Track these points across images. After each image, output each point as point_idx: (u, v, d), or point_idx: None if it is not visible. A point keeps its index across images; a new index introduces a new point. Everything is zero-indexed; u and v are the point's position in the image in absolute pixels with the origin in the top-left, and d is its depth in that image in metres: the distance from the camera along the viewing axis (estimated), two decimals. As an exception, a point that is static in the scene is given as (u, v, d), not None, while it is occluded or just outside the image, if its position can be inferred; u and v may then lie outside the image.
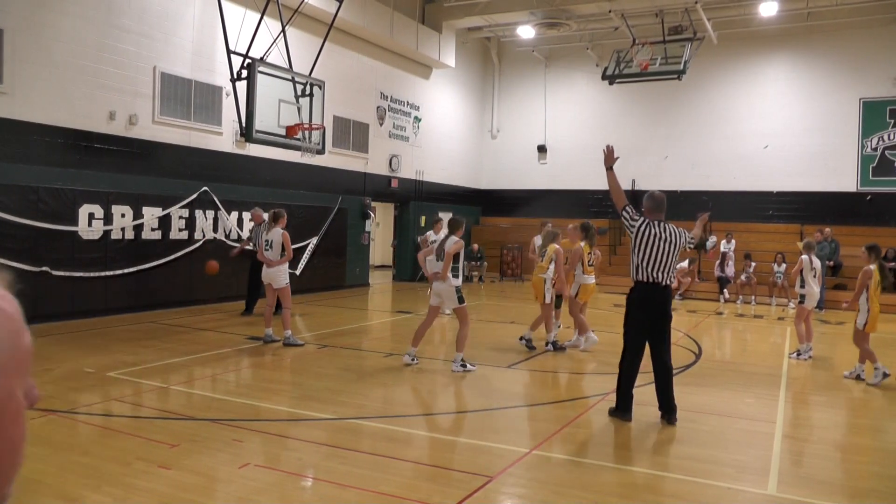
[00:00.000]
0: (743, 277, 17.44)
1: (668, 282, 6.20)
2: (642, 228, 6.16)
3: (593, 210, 21.69)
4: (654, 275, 6.13)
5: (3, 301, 1.00)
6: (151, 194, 12.40)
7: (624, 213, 6.24)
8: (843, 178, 19.71)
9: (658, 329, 6.20)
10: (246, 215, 14.24)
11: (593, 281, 9.95)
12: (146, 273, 12.27)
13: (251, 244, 12.32)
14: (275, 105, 12.00)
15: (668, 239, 6.15)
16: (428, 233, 13.86)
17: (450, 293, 8.11)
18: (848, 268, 17.70)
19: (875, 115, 19.42)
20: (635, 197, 17.04)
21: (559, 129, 23.43)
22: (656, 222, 6.22)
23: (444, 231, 13.51)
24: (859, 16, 18.96)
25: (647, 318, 6.19)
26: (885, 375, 7.94)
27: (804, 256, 9.69)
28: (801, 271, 9.62)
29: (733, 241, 18.50)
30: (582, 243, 9.71)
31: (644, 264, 6.15)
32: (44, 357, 8.23)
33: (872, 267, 8.13)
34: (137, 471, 4.64)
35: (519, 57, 23.89)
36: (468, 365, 8.16)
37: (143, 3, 12.40)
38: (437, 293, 8.28)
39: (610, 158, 6.34)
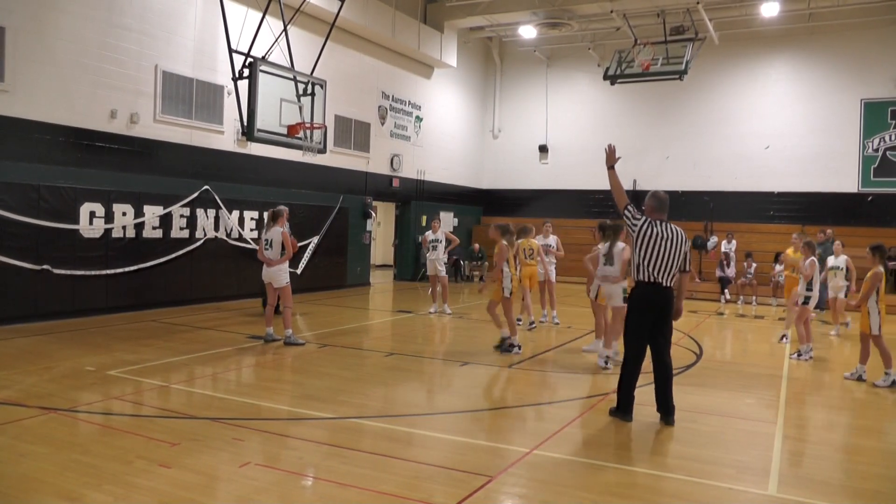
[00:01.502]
0: (744, 279, 17.43)
1: (670, 282, 6.17)
2: (644, 227, 6.14)
3: (595, 210, 21.68)
4: (656, 274, 6.09)
5: None
6: (152, 193, 12.41)
7: (626, 212, 6.22)
8: (844, 178, 19.71)
9: (659, 328, 6.19)
10: (247, 214, 14.33)
11: None
12: (147, 272, 12.28)
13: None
14: (276, 104, 12.01)
15: (671, 238, 6.12)
16: (427, 233, 13.87)
17: (617, 293, 8.55)
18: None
19: (876, 115, 19.41)
20: (636, 197, 17.00)
21: (560, 129, 23.43)
22: (658, 222, 6.19)
23: (441, 231, 13.59)
24: (861, 16, 18.95)
25: (649, 318, 6.17)
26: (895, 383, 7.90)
27: (815, 259, 9.67)
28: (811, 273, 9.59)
29: (734, 242, 18.50)
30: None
31: (645, 264, 6.12)
32: (44, 355, 8.26)
33: (882, 269, 7.99)
34: (138, 469, 4.64)
35: (520, 57, 23.88)
36: (611, 365, 8.43)
37: (144, 2, 12.40)
38: (608, 294, 8.76)
39: (611, 158, 6.32)
